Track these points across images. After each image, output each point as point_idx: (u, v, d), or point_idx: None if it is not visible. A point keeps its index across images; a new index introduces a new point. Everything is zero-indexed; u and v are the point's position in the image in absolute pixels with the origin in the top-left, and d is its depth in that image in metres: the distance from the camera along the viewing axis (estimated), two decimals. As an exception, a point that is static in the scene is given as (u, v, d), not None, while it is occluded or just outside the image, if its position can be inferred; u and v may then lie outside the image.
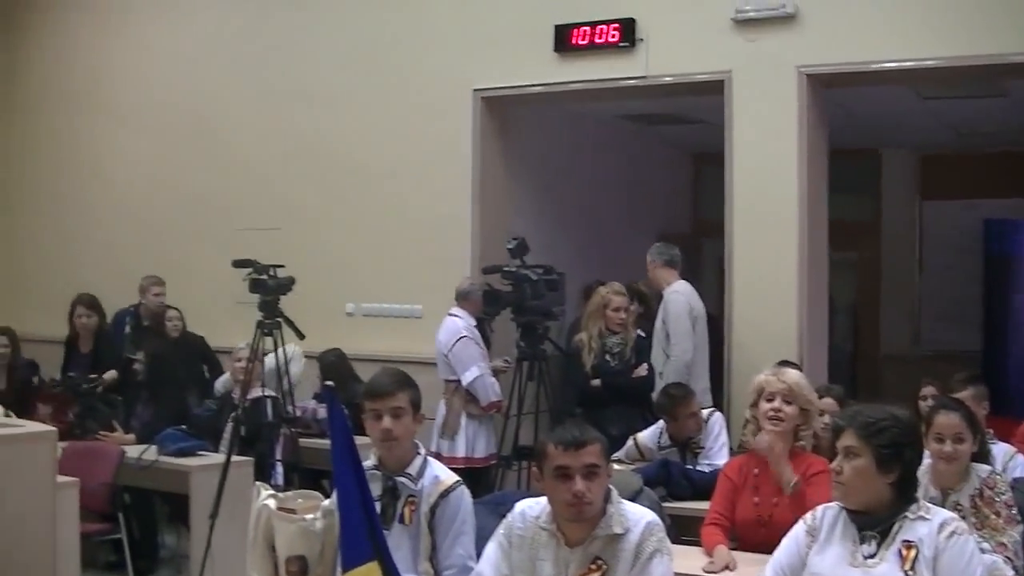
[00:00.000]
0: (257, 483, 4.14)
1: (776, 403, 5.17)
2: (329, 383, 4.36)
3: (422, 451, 4.50)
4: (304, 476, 7.48)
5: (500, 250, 9.03)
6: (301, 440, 7.71)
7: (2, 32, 12.82)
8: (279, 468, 7.35)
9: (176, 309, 9.79)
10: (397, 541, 4.25)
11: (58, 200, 12.38)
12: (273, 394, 7.39)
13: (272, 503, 3.91)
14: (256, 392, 7.53)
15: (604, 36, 8.95)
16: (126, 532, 7.64)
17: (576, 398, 8.08)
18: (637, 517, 3.93)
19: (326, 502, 3.99)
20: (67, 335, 9.64)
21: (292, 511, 3.90)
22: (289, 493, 4.11)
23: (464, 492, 4.43)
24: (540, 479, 3.95)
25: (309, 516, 3.89)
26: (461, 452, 8.35)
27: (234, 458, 7.16)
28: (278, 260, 7.43)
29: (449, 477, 4.45)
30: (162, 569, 8.40)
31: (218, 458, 7.45)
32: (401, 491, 4.37)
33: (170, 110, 11.43)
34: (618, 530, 3.88)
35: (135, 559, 7.79)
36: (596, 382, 7.80)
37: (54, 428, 4.16)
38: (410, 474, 4.39)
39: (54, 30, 12.53)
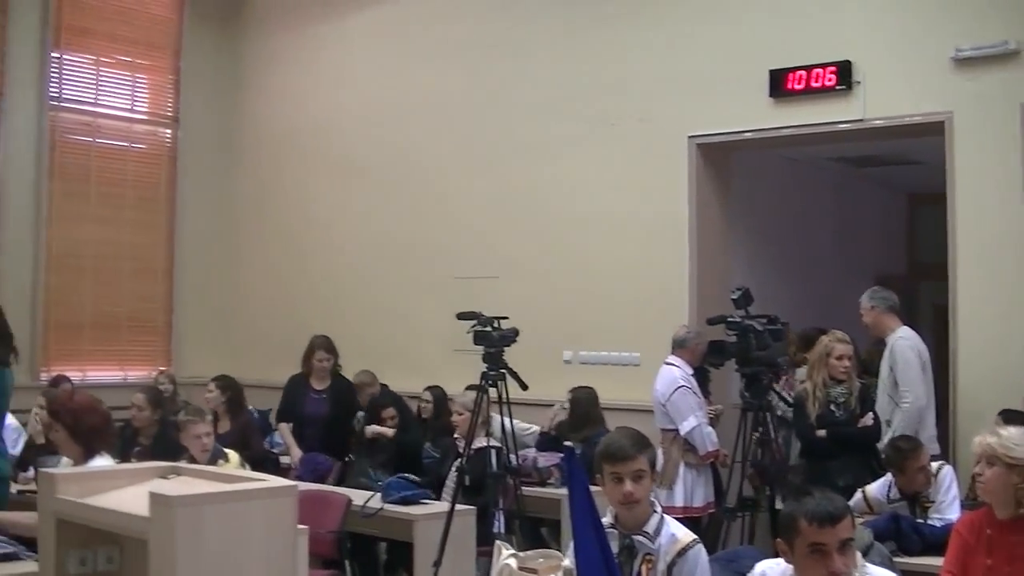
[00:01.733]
0: (498, 542, 4.17)
1: (978, 467, 4.99)
2: (569, 443, 4.37)
3: (658, 509, 4.48)
4: (525, 524, 7.51)
5: (717, 297, 8.97)
6: (522, 488, 7.75)
7: (226, 88, 13.36)
8: (500, 517, 7.41)
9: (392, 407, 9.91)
10: (632, 598, 4.24)
11: (280, 250, 12.80)
12: (498, 444, 7.43)
13: (513, 563, 3.93)
14: (480, 442, 7.59)
15: (820, 80, 8.84)
16: (350, 578, 7.78)
17: (801, 449, 7.95)
18: (882, 582, 3.85)
19: (566, 562, 3.99)
20: (299, 373, 10.08)
21: (534, 571, 3.92)
22: (530, 552, 4.12)
23: (701, 551, 4.40)
24: (788, 553, 3.86)
25: (550, 576, 3.90)
26: (679, 502, 8.29)
27: (457, 507, 7.23)
28: (494, 308, 7.49)
29: (686, 535, 4.43)
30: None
31: (442, 506, 7.54)
32: (638, 549, 4.36)
33: (390, 163, 11.72)
34: (863, 595, 3.80)
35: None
36: (821, 433, 7.66)
37: (295, 483, 4.23)
38: (647, 532, 4.38)
39: (276, 86, 13.02)
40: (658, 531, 4.40)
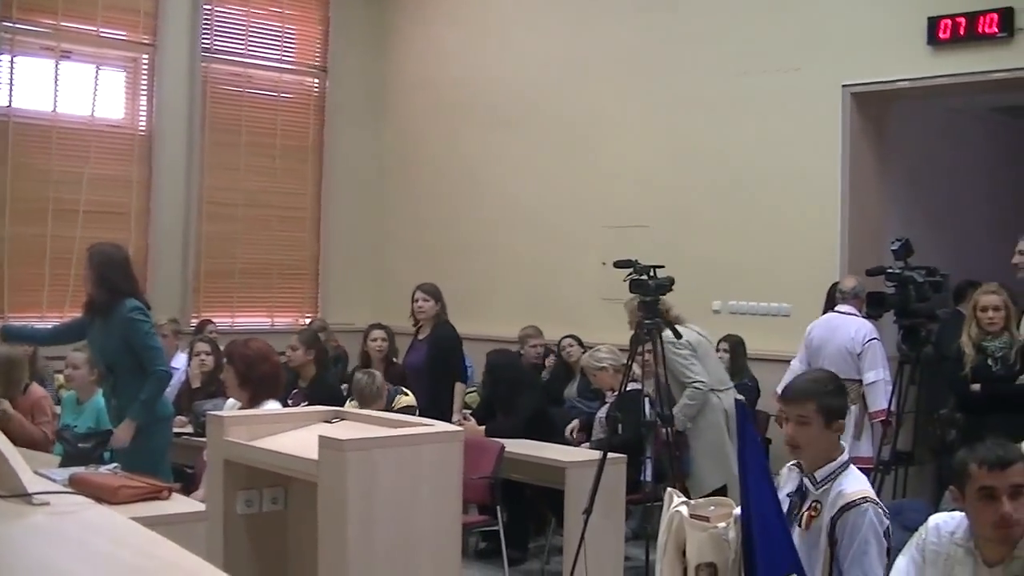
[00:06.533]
0: (669, 489, 4.18)
1: None
2: (740, 397, 4.33)
3: (842, 457, 4.33)
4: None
5: (870, 249, 8.85)
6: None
7: (375, 38, 13.52)
8: (649, 465, 7.38)
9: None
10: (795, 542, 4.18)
11: (428, 200, 12.94)
12: (649, 392, 7.40)
13: (684, 510, 3.94)
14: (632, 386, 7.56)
15: (981, 27, 8.62)
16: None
17: (956, 403, 7.75)
18: (1062, 537, 3.78)
19: (737, 510, 3.98)
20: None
21: (705, 518, 3.93)
22: (701, 500, 4.14)
23: (868, 510, 4.16)
24: (960, 499, 3.84)
25: (722, 524, 3.90)
26: (866, 452, 8.11)
27: (609, 455, 7.21)
28: (644, 258, 7.41)
29: (856, 492, 4.21)
30: (532, 559, 8.61)
31: (594, 454, 7.52)
32: (807, 494, 4.27)
33: (539, 115, 11.77)
34: (1041, 550, 3.74)
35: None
36: (976, 387, 7.47)
37: (461, 428, 4.29)
38: (814, 477, 4.25)
39: (425, 36, 13.18)
40: (829, 479, 4.24)
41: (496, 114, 12.18)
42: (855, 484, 4.29)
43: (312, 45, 13.32)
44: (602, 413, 8.44)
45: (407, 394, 8.51)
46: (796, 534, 4.22)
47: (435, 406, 8.62)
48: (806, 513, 4.25)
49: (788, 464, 4.36)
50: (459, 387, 9.14)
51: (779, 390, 7.52)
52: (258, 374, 6.10)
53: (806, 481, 4.28)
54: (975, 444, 3.86)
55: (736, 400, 5.19)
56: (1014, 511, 3.71)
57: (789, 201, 9.65)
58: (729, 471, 7.37)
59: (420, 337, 9.32)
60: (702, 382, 7.49)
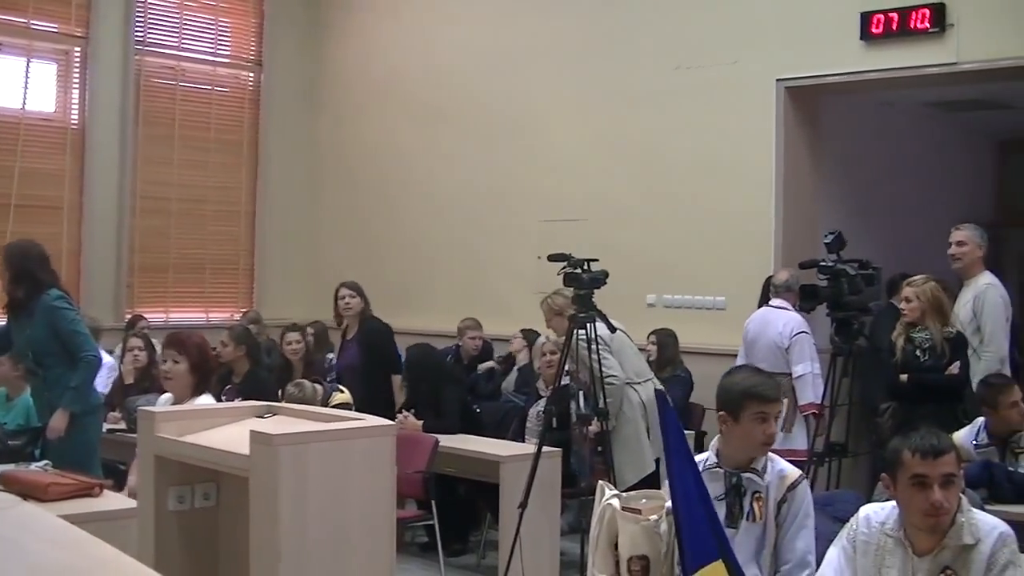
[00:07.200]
0: (601, 482, 4.18)
1: None
2: (659, 387, 4.37)
3: None
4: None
5: (804, 242, 8.89)
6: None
7: (310, 32, 13.45)
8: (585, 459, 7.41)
9: None
10: (743, 538, 4.25)
11: (364, 194, 12.87)
12: (582, 387, 7.41)
13: (616, 503, 3.94)
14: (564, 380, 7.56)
15: (913, 22, 8.69)
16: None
17: (887, 393, 7.80)
18: (989, 527, 3.83)
19: (669, 502, 3.99)
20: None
21: (637, 511, 3.93)
22: (633, 493, 4.14)
23: (807, 486, 4.39)
24: (891, 487, 3.89)
25: (653, 517, 3.90)
26: (801, 445, 8.16)
27: (544, 449, 7.21)
28: (580, 252, 7.41)
29: (793, 471, 4.41)
30: (469, 554, 8.60)
31: (529, 448, 7.53)
32: (747, 487, 4.32)
33: (475, 109, 11.75)
34: (969, 540, 3.78)
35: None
36: (904, 377, 7.51)
37: (393, 423, 4.27)
38: (756, 469, 4.35)
39: (360, 30, 13.09)
40: (765, 468, 4.38)
41: (432, 107, 12.15)
42: (788, 466, 4.47)
43: (247, 38, 13.23)
44: (539, 407, 8.43)
45: (342, 391, 8.45)
46: (746, 528, 4.30)
47: (373, 403, 8.56)
48: (755, 505, 4.32)
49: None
50: (396, 380, 9.11)
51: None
52: (210, 364, 6.14)
53: (748, 475, 4.35)
54: (909, 433, 3.92)
55: (656, 390, 5.23)
56: (944, 500, 3.76)
57: (723, 195, 9.68)
58: (646, 465, 7.39)
59: (348, 337, 9.31)
60: (615, 376, 7.47)
